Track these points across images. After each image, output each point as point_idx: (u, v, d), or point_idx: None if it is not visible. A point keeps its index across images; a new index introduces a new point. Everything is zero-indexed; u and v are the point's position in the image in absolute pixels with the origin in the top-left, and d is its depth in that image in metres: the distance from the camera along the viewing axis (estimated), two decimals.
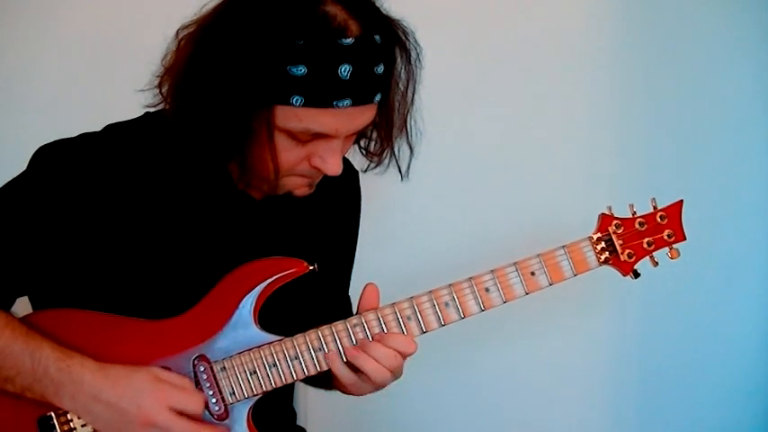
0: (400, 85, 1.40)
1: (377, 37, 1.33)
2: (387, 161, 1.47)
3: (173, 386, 1.36)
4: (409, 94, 1.41)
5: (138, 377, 1.35)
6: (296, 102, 1.30)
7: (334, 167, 1.38)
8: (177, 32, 1.40)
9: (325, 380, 1.56)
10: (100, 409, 1.34)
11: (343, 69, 1.29)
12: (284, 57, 1.28)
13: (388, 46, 1.35)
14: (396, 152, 1.46)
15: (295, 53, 1.27)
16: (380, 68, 1.34)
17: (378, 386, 1.43)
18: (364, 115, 1.36)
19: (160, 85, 1.41)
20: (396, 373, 1.43)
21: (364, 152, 1.48)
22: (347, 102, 1.31)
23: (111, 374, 1.35)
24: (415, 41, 1.38)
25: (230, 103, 1.31)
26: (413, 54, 1.38)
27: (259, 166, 1.38)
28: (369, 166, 1.49)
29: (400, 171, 1.48)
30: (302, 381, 1.63)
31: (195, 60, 1.33)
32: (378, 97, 1.36)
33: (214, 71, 1.31)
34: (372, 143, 1.47)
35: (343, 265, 1.69)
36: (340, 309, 1.52)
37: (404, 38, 1.37)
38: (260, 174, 1.39)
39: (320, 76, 1.28)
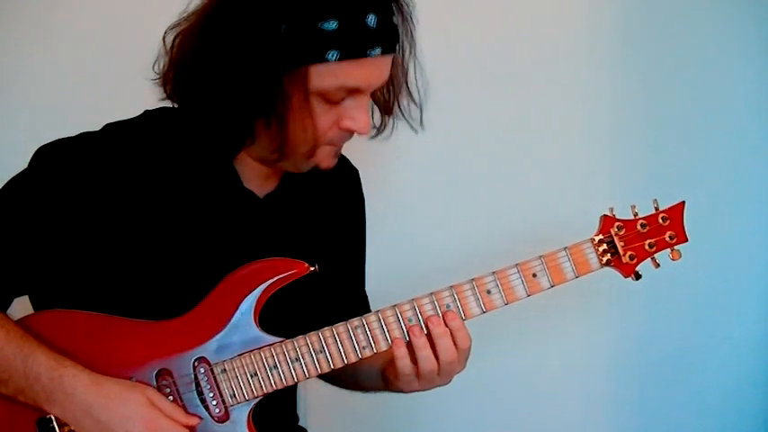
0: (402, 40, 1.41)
1: None
2: (391, 125, 1.48)
3: (164, 416, 1.35)
4: (407, 48, 1.41)
5: (133, 399, 1.35)
6: (332, 56, 1.30)
7: (365, 125, 1.39)
8: (165, 33, 1.40)
9: (347, 378, 1.59)
10: (89, 424, 1.34)
11: (370, 19, 1.31)
12: (315, 14, 1.29)
13: (396, 1, 1.37)
14: (402, 112, 1.47)
15: (324, 8, 1.29)
16: (396, 18, 1.37)
17: (426, 379, 1.42)
18: (388, 66, 1.38)
19: (165, 82, 1.41)
20: (445, 371, 1.42)
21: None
22: (378, 50, 1.33)
23: (104, 392, 1.34)
24: None
25: (263, 73, 1.31)
26: (406, 9, 1.39)
27: (296, 138, 1.37)
28: (377, 132, 1.49)
29: (412, 127, 1.48)
30: (329, 381, 1.65)
31: (216, 38, 1.32)
32: (397, 47, 1.38)
33: (242, 43, 1.30)
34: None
35: (354, 262, 1.69)
36: (355, 306, 1.52)
37: None
38: (296, 147, 1.38)
39: (352, 27, 1.30)
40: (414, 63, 1.43)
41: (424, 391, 1.46)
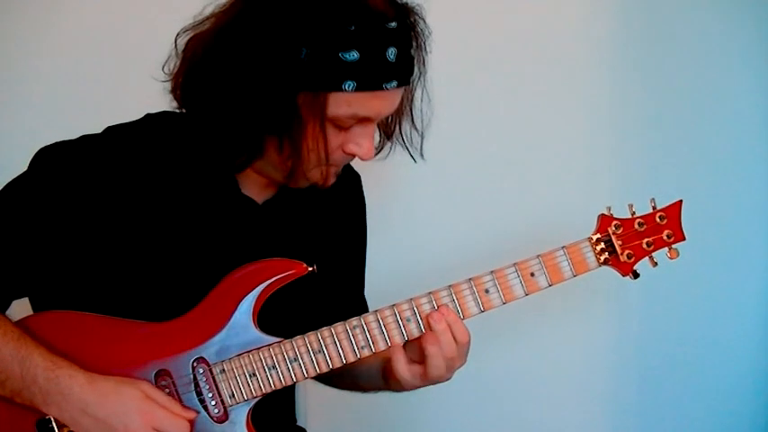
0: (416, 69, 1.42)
1: (409, 21, 1.36)
2: (389, 147, 1.49)
3: (160, 407, 1.36)
4: (417, 75, 1.42)
5: (128, 393, 1.35)
6: (348, 87, 1.31)
7: (369, 152, 1.40)
8: (177, 36, 1.40)
9: (346, 380, 1.60)
10: (87, 423, 1.34)
11: (390, 52, 1.32)
12: (337, 43, 1.29)
13: (414, 29, 1.38)
14: (403, 138, 1.48)
15: (347, 39, 1.29)
16: (413, 50, 1.37)
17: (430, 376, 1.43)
18: (399, 97, 1.40)
19: (174, 86, 1.40)
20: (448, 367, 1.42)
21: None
22: (394, 84, 1.34)
23: (100, 389, 1.35)
24: (425, 25, 1.40)
25: (279, 94, 1.31)
26: (422, 38, 1.40)
27: (306, 160, 1.38)
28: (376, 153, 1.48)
29: (412, 155, 1.49)
30: (329, 384, 1.66)
31: (235, 52, 1.32)
32: (412, 78, 1.39)
33: (261, 62, 1.30)
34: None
35: (354, 266, 1.69)
36: (354, 310, 1.52)
37: (421, 21, 1.39)
38: (305, 169, 1.39)
39: (371, 60, 1.30)
40: (422, 91, 1.44)
41: (424, 387, 1.46)
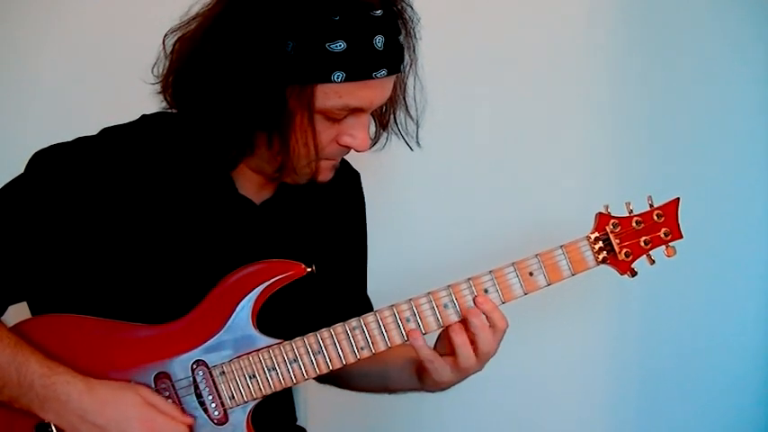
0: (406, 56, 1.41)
1: (395, 8, 1.36)
2: (386, 137, 1.49)
3: (159, 413, 1.36)
4: (408, 63, 1.41)
5: (127, 400, 1.35)
6: (337, 78, 1.30)
7: (364, 143, 1.40)
8: (165, 36, 1.40)
9: (374, 380, 1.59)
10: (86, 429, 1.34)
11: (377, 40, 1.31)
12: (322, 34, 1.29)
13: (401, 17, 1.38)
14: (398, 127, 1.48)
15: (333, 29, 1.29)
16: (402, 38, 1.37)
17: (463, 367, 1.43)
18: (391, 85, 1.39)
19: (164, 87, 1.40)
20: (481, 356, 1.43)
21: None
22: (383, 72, 1.33)
23: (98, 395, 1.34)
24: (413, 12, 1.40)
25: (267, 89, 1.30)
26: (411, 25, 1.40)
27: (297, 154, 1.37)
28: (372, 144, 1.48)
29: (408, 144, 1.48)
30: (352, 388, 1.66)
31: (221, 49, 1.32)
32: (402, 66, 1.39)
33: (247, 57, 1.30)
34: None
35: (356, 266, 1.69)
36: (357, 310, 1.53)
37: (409, 8, 1.39)
38: (296, 163, 1.39)
39: (359, 49, 1.30)
40: (414, 79, 1.43)
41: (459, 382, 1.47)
